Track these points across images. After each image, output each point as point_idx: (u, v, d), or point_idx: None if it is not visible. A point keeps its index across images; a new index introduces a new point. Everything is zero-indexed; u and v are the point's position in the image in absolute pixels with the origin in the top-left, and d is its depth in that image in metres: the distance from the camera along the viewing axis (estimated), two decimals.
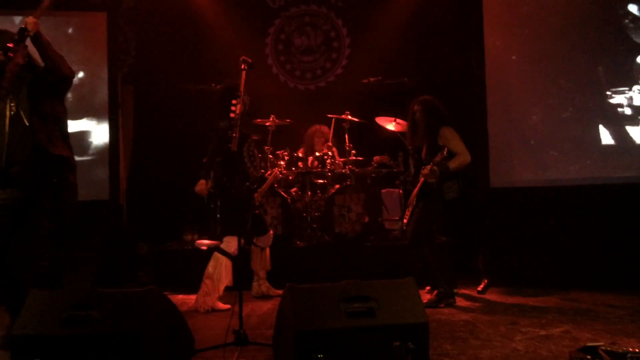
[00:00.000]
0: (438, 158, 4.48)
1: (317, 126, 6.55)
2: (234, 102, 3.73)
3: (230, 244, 4.57)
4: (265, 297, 5.03)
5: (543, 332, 3.72)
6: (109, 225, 5.80)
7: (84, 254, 5.51)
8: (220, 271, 4.57)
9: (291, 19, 7.35)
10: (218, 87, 4.90)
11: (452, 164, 4.55)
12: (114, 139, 5.85)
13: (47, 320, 2.67)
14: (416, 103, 4.83)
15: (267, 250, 5.10)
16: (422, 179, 4.69)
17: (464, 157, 4.60)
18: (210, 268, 4.60)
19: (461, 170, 4.61)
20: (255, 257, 5.07)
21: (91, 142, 5.88)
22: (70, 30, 5.92)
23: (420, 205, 4.75)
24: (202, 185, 4.73)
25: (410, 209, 4.87)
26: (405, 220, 4.99)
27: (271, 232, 5.07)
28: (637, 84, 5.38)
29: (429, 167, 4.55)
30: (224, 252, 4.59)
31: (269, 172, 5.70)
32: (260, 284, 5.08)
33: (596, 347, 2.97)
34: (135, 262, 6.12)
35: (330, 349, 2.62)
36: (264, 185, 5.04)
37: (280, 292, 4.86)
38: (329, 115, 6.30)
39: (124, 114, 6.48)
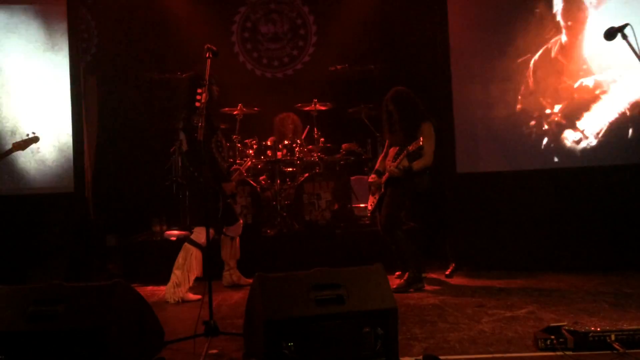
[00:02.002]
0: (412, 147, 4.55)
1: (285, 114, 6.54)
2: (199, 90, 3.69)
3: (201, 234, 4.54)
4: (236, 286, 5.02)
5: (509, 314, 3.81)
6: (75, 218, 5.68)
7: (51, 247, 5.41)
8: (190, 262, 4.54)
9: (257, 6, 7.28)
10: (184, 76, 4.82)
11: (417, 165, 4.69)
12: (77, 130, 5.71)
13: (11, 316, 2.61)
14: (393, 97, 4.86)
15: (237, 239, 5.05)
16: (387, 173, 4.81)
17: (428, 159, 4.73)
18: (180, 259, 4.57)
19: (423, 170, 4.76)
20: (225, 246, 5.02)
21: (54, 134, 5.74)
22: (29, 18, 5.74)
23: (389, 192, 4.81)
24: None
25: (376, 196, 4.95)
26: (370, 207, 5.08)
27: (241, 221, 5.02)
28: (594, 74, 5.51)
29: (395, 164, 4.68)
30: (194, 243, 4.56)
31: (238, 161, 5.67)
32: (231, 274, 5.06)
33: (560, 327, 3.06)
34: (103, 254, 6.03)
35: (300, 337, 2.63)
36: (233, 177, 5.00)
37: (251, 281, 4.84)
38: (298, 106, 6.30)
39: (87, 104, 6.34)
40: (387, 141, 5.09)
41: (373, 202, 5.02)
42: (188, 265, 4.54)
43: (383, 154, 5.13)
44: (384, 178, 4.87)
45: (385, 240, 4.86)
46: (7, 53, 5.70)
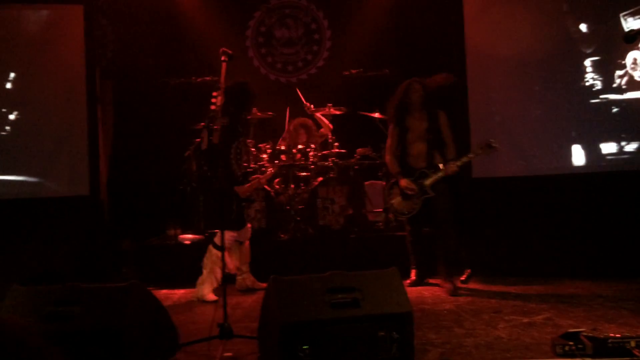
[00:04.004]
0: (466, 159, 4.68)
1: (300, 119, 6.53)
2: (214, 94, 3.70)
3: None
4: (250, 290, 5.01)
5: (526, 320, 3.76)
6: (90, 221, 5.73)
7: (65, 250, 5.44)
8: (212, 263, 4.63)
9: (271, 11, 7.30)
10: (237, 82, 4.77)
11: (459, 160, 4.72)
12: (93, 134, 5.77)
13: (28, 316, 2.62)
14: (415, 80, 4.88)
15: (247, 243, 5.02)
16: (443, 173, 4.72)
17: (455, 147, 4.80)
18: (204, 259, 4.72)
19: None
20: (234, 252, 4.94)
21: (70, 138, 5.79)
22: (46, 24, 5.81)
23: (443, 191, 4.77)
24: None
25: (415, 201, 4.78)
26: (405, 211, 4.87)
27: (249, 225, 5.01)
28: (617, 78, 5.46)
29: (457, 163, 4.68)
30: (215, 245, 4.63)
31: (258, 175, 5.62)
32: (245, 278, 5.05)
33: (578, 333, 3.02)
34: (118, 258, 6.06)
35: (315, 340, 2.62)
36: (252, 183, 4.92)
37: (265, 285, 4.83)
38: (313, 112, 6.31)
39: (103, 109, 6.40)
40: (395, 129, 4.94)
41: (412, 207, 4.81)
42: (210, 266, 4.65)
43: (393, 149, 4.95)
44: (430, 180, 4.73)
45: (443, 243, 4.79)
46: (22, 56, 5.77)
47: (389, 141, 5.04)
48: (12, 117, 5.75)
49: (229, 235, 4.61)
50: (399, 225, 5.96)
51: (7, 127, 5.74)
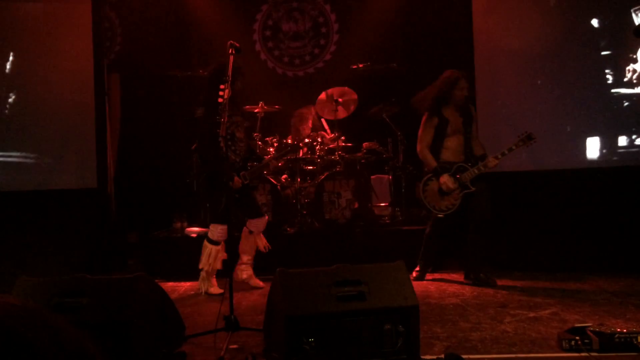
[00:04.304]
0: (507, 152, 4.60)
1: (305, 108, 6.52)
2: (222, 87, 3.69)
3: (213, 231, 4.64)
4: (244, 283, 4.89)
5: (532, 314, 3.75)
6: (98, 214, 5.76)
7: (73, 242, 5.48)
8: (207, 258, 4.64)
9: (279, 4, 7.29)
10: (207, 68, 4.74)
11: (499, 153, 4.65)
12: (101, 128, 5.80)
13: None
14: (463, 76, 4.79)
15: (258, 236, 4.89)
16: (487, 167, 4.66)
17: None
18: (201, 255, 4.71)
19: None
20: (243, 239, 4.93)
21: (78, 131, 5.81)
22: (54, 18, 5.83)
23: (484, 187, 4.72)
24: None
25: (455, 196, 4.68)
26: (444, 208, 4.72)
27: (265, 217, 4.92)
28: (627, 72, 5.43)
29: (496, 157, 4.63)
30: (209, 240, 4.66)
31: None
32: (242, 270, 4.88)
33: (584, 328, 3.01)
34: (125, 250, 6.09)
35: (321, 333, 2.63)
36: (253, 169, 4.74)
37: (261, 283, 4.84)
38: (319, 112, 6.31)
39: (110, 102, 6.41)
40: (432, 120, 4.73)
41: (451, 204, 4.69)
42: (204, 261, 4.65)
43: (428, 141, 4.75)
44: (470, 175, 4.64)
45: (479, 244, 4.72)
46: (31, 50, 5.80)
47: (422, 133, 4.82)
48: (20, 111, 5.77)
49: (219, 228, 4.58)
50: (405, 219, 5.96)
51: (16, 121, 5.76)
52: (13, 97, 5.78)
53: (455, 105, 4.77)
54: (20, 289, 2.75)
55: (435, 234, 4.89)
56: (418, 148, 4.86)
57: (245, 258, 4.93)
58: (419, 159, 4.92)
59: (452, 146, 4.74)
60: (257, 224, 4.83)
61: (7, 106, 5.77)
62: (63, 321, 0.76)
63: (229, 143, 4.47)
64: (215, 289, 4.66)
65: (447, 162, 4.72)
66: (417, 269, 4.99)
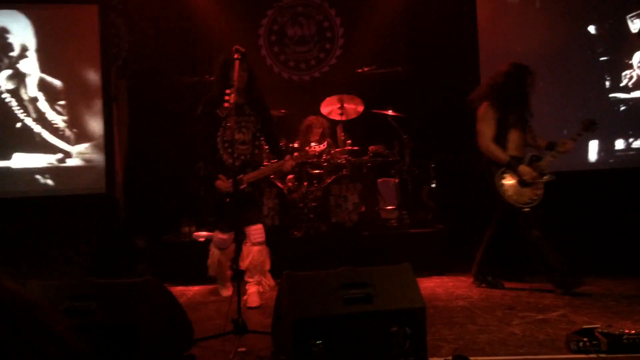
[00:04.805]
0: (577, 137, 4.51)
1: (313, 117, 6.54)
2: (227, 92, 3.72)
3: (215, 235, 4.63)
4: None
5: (540, 317, 3.75)
6: (106, 218, 5.80)
7: (82, 247, 5.52)
8: (212, 263, 4.63)
9: (284, 9, 7.33)
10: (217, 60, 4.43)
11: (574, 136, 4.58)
12: (109, 133, 5.85)
13: None
14: (531, 72, 4.61)
15: (252, 247, 4.38)
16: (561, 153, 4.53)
17: None
18: None
19: None
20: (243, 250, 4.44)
21: (86, 137, 5.86)
22: (61, 24, 5.89)
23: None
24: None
25: (538, 188, 4.50)
26: (527, 201, 4.49)
27: (259, 225, 4.40)
28: (624, 78, 5.45)
29: (572, 140, 4.53)
30: (213, 244, 4.65)
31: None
32: (245, 287, 4.44)
33: (593, 330, 3.00)
34: (133, 255, 6.13)
35: (328, 336, 2.63)
36: (252, 173, 4.35)
37: (255, 303, 4.38)
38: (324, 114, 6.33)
39: (118, 108, 6.47)
40: (496, 113, 4.55)
41: (534, 194, 4.48)
42: (210, 264, 4.64)
43: (492, 134, 4.57)
44: (546, 162, 4.53)
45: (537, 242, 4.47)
46: (40, 55, 5.86)
47: (484, 126, 4.60)
48: (28, 116, 5.83)
49: (217, 236, 4.52)
50: (412, 222, 5.97)
51: (25, 126, 5.82)
52: (19, 103, 5.83)
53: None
54: (30, 293, 2.77)
55: (535, 231, 4.48)
56: (480, 142, 4.63)
57: (247, 273, 4.44)
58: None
59: (514, 139, 4.57)
60: (249, 233, 4.36)
61: (16, 111, 5.82)
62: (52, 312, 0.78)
63: (226, 145, 4.32)
64: (225, 291, 4.67)
65: (515, 157, 4.54)
66: (555, 284, 4.48)
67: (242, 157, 4.31)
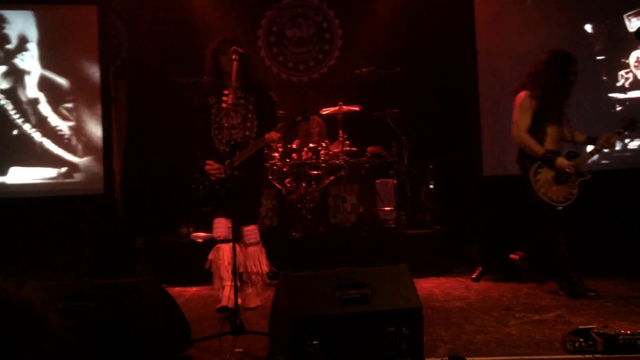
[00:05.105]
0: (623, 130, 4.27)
1: (312, 117, 6.55)
2: (225, 92, 3.73)
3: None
4: None
5: (537, 317, 3.76)
6: (105, 219, 5.81)
7: (80, 247, 5.52)
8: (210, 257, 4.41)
9: (283, 10, 7.34)
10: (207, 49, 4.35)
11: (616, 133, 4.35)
12: (107, 133, 5.85)
13: None
14: (572, 57, 4.38)
15: (250, 254, 4.31)
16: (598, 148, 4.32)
17: None
18: None
19: None
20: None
21: (85, 137, 5.87)
22: (60, 24, 5.89)
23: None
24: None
25: (573, 186, 4.28)
26: (558, 199, 4.27)
27: (251, 227, 4.30)
28: (620, 78, 5.47)
29: (614, 136, 4.30)
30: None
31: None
32: (244, 291, 4.39)
33: (589, 330, 3.02)
34: (131, 255, 6.13)
35: (325, 336, 2.64)
36: (239, 155, 4.05)
37: (253, 304, 4.38)
38: (322, 112, 6.34)
39: (117, 108, 6.48)
40: (534, 102, 4.31)
41: (570, 193, 4.27)
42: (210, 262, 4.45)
43: (528, 125, 4.32)
44: (584, 159, 4.34)
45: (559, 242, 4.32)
46: (39, 55, 5.86)
47: (520, 115, 4.37)
48: (26, 117, 5.83)
49: (214, 221, 4.27)
50: (410, 223, 5.98)
51: (22, 127, 5.82)
52: (18, 103, 5.83)
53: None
54: (28, 294, 2.78)
55: (561, 234, 4.33)
56: (515, 132, 4.40)
57: (244, 274, 4.36)
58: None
59: (552, 132, 4.33)
60: (243, 233, 4.27)
61: (15, 111, 5.81)
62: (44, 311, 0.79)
63: (216, 132, 4.17)
64: (223, 302, 4.11)
65: (550, 151, 4.30)
66: (562, 286, 4.39)
67: (232, 142, 3.98)
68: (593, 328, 3.03)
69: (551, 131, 4.33)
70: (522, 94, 4.39)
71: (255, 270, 4.29)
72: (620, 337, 2.89)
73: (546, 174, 4.29)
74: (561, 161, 4.25)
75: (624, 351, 2.86)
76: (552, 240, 4.38)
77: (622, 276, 4.87)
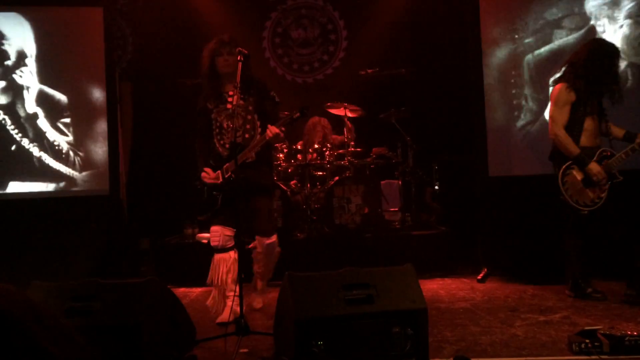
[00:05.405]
0: None
1: (317, 118, 6.56)
2: (230, 93, 3.72)
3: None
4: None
5: (542, 318, 3.74)
6: (110, 220, 5.83)
7: (85, 248, 5.54)
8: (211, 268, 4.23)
9: (288, 11, 7.35)
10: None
11: None
12: (113, 134, 5.87)
13: None
14: (615, 48, 4.19)
15: (259, 260, 4.20)
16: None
17: None
18: None
19: None
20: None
21: (90, 138, 5.89)
22: (66, 26, 5.91)
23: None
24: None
25: (604, 188, 4.10)
26: (588, 202, 4.11)
27: (267, 240, 4.09)
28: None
29: None
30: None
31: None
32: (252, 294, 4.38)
33: (595, 331, 3.00)
34: (137, 256, 6.15)
35: (330, 336, 2.64)
36: (242, 154, 3.86)
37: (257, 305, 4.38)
38: (330, 110, 6.33)
39: (122, 110, 6.50)
40: (571, 94, 4.11)
41: (598, 197, 4.10)
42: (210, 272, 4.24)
43: (564, 121, 4.13)
44: (618, 160, 4.08)
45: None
46: (44, 57, 5.89)
47: (557, 110, 4.16)
48: (25, 137, 5.83)
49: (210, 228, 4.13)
50: (415, 224, 5.96)
51: (29, 129, 5.84)
52: (27, 103, 5.86)
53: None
54: (33, 294, 2.79)
55: (577, 237, 4.26)
56: (551, 129, 4.19)
57: (258, 276, 4.33)
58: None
59: (589, 128, 4.12)
60: (262, 244, 4.09)
61: (22, 112, 5.83)
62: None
63: (218, 137, 4.04)
64: (223, 317, 3.91)
65: (586, 148, 4.11)
66: (569, 287, 4.33)
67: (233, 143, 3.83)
68: (599, 329, 3.01)
69: (589, 126, 4.12)
70: (558, 87, 4.19)
71: (270, 268, 4.23)
72: (627, 339, 2.88)
73: (576, 175, 4.13)
74: (593, 167, 4.06)
75: (630, 352, 2.84)
76: (566, 240, 4.29)
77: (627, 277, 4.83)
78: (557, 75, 4.38)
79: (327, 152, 5.91)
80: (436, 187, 6.42)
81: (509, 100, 5.62)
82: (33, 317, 0.75)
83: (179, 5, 6.84)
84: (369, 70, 6.26)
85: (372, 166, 6.20)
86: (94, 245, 5.60)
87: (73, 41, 5.88)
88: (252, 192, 3.95)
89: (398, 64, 6.36)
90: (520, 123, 5.58)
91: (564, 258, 4.38)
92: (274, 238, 4.09)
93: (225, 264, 3.97)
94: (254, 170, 3.96)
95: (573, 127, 4.12)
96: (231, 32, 4.11)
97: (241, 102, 3.98)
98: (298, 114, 3.82)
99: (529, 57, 5.57)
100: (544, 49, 5.54)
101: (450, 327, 3.60)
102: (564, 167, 4.16)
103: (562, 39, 5.52)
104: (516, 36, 5.59)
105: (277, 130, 3.79)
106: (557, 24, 5.55)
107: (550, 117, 4.22)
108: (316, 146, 5.97)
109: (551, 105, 4.24)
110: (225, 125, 4.00)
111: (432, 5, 6.70)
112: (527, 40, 5.56)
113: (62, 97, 5.87)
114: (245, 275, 3.84)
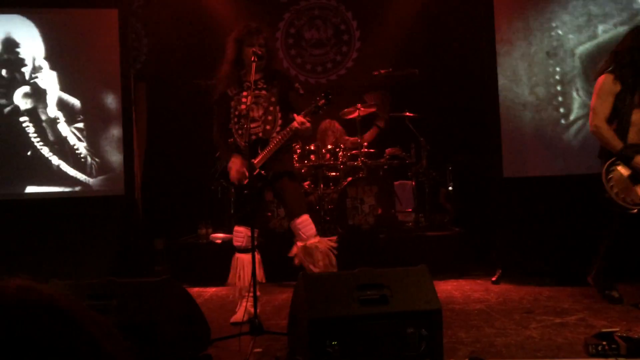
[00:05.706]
0: None
1: (329, 121, 6.56)
2: (244, 94, 3.74)
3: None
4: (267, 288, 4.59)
5: (558, 320, 3.71)
6: (125, 220, 5.88)
7: (101, 248, 5.59)
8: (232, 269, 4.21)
9: (301, 12, 7.36)
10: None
11: None
12: (128, 135, 5.92)
13: None
14: None
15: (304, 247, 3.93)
16: None
17: None
18: None
19: None
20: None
21: (105, 139, 5.94)
22: (81, 28, 5.97)
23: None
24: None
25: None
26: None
27: (299, 219, 3.92)
28: None
29: None
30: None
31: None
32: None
33: (612, 333, 2.97)
34: (152, 256, 6.19)
35: (344, 337, 2.64)
36: (262, 153, 3.83)
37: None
38: (346, 117, 6.34)
39: (137, 111, 6.54)
40: (616, 85, 3.83)
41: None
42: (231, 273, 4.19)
43: (606, 114, 3.87)
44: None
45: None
46: (59, 60, 5.95)
47: (599, 102, 3.89)
48: (45, 140, 5.89)
49: (234, 229, 4.07)
50: (428, 225, 5.95)
51: (46, 130, 5.90)
52: (40, 106, 5.92)
53: None
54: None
55: (619, 237, 4.05)
56: (592, 121, 3.93)
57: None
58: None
59: (637, 121, 3.81)
60: (295, 228, 3.92)
61: (30, 135, 5.88)
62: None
63: (236, 127, 3.93)
64: (237, 316, 3.85)
65: (636, 145, 3.81)
66: (592, 276, 4.25)
67: (253, 137, 3.82)
68: (616, 331, 2.98)
69: (637, 119, 3.81)
70: (602, 77, 3.91)
71: (322, 266, 3.89)
72: None
73: (622, 172, 3.81)
74: (639, 159, 3.74)
75: None
76: (607, 238, 4.11)
77: None
78: (600, 65, 4.08)
79: (340, 153, 5.91)
80: (450, 188, 6.40)
81: (524, 100, 5.58)
82: (89, 317, 0.75)
83: (193, 6, 6.88)
84: (382, 71, 6.26)
85: (385, 167, 6.19)
86: (110, 244, 5.65)
87: (88, 44, 5.93)
88: (277, 179, 3.89)
89: (411, 65, 6.35)
90: (535, 123, 5.54)
91: (595, 251, 4.23)
92: (304, 218, 3.88)
93: (249, 265, 3.79)
94: (276, 160, 3.87)
95: (620, 121, 3.86)
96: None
97: (263, 92, 3.90)
98: (323, 101, 3.69)
99: (542, 55, 5.54)
100: (586, 45, 5.47)
101: (464, 328, 3.58)
102: (608, 163, 3.88)
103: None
104: (530, 36, 5.55)
105: (303, 119, 3.70)
106: (570, 25, 5.51)
107: (592, 108, 3.96)
108: (329, 147, 5.97)
109: (593, 97, 3.96)
110: (251, 115, 3.77)
111: (445, 4, 6.67)
112: (542, 41, 5.52)
113: (75, 102, 5.93)
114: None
